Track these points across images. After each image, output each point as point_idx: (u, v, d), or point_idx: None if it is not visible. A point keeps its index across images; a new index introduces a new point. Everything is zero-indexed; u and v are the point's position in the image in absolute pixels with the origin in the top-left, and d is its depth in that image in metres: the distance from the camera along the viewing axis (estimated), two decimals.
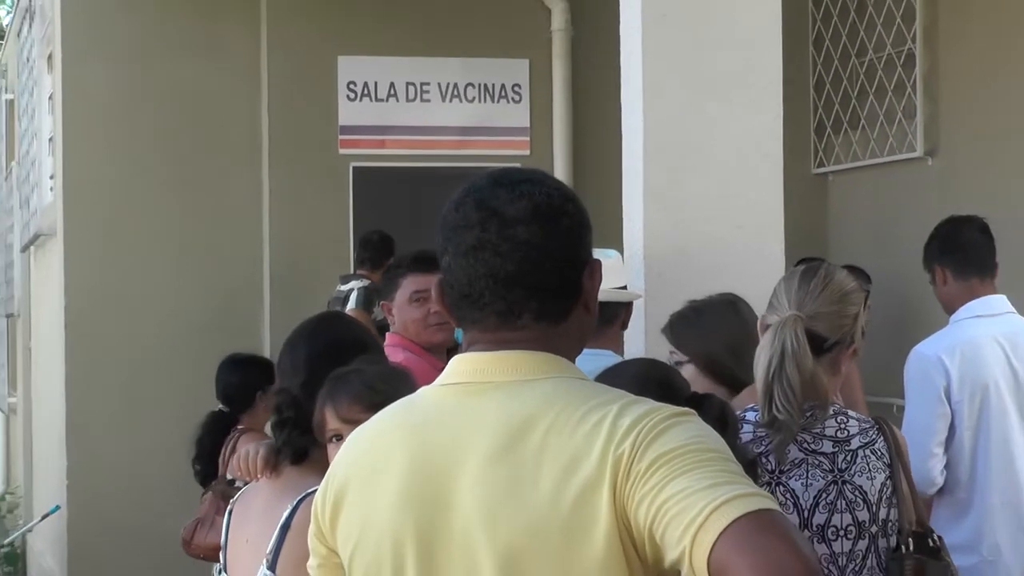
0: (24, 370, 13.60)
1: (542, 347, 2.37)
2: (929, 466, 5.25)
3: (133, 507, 9.33)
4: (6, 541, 12.83)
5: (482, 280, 2.35)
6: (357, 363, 3.33)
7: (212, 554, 5.39)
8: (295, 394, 3.40)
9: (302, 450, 3.39)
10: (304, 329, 3.58)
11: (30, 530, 11.95)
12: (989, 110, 8.30)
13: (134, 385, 9.58)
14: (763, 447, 3.36)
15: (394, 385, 3.22)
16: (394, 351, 5.14)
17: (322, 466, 3.22)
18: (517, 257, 2.34)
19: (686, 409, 2.31)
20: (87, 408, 9.66)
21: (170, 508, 8.84)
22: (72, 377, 9.71)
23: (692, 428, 2.24)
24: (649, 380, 2.95)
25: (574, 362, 2.42)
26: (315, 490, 3.12)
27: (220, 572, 5.66)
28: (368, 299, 9.01)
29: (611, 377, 2.68)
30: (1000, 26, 8.19)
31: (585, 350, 4.53)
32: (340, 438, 2.96)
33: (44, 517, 10.81)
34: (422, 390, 2.47)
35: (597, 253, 4.77)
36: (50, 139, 10.85)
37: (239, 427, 5.96)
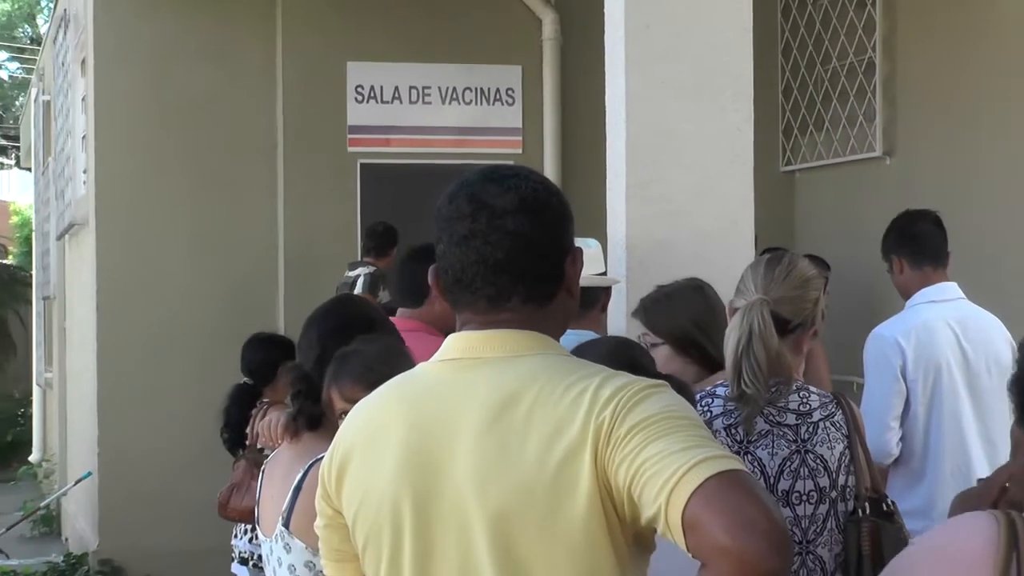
0: (59, 348, 13.60)
1: (529, 327, 2.37)
2: (886, 438, 5.25)
3: (158, 473, 9.34)
4: (43, 504, 12.82)
5: (474, 266, 2.36)
6: (357, 343, 3.35)
7: (246, 517, 5.42)
8: (308, 368, 3.43)
9: (316, 417, 3.41)
10: (318, 311, 3.63)
11: (64, 494, 11.95)
12: (943, 114, 8.31)
13: (159, 361, 9.58)
14: (732, 419, 3.37)
15: (392, 364, 3.22)
16: (419, 336, 5.09)
17: (335, 433, 3.30)
18: (506, 245, 2.35)
19: (660, 381, 2.32)
20: (116, 382, 9.67)
21: (191, 474, 8.90)
22: (103, 354, 9.71)
23: (666, 398, 2.25)
24: (617, 359, 2.94)
25: (559, 340, 2.43)
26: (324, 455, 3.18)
27: (246, 531, 5.69)
28: (374, 284, 9.02)
29: (581, 354, 2.68)
30: (953, 37, 8.20)
31: (569, 330, 4.55)
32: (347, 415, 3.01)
33: (77, 482, 10.83)
34: (420, 366, 2.48)
35: (578, 242, 4.82)
36: (83, 137, 10.84)
37: (265, 400, 5.96)
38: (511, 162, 9.18)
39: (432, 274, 2.44)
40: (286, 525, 3.26)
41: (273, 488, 3.45)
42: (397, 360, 3.27)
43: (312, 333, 3.52)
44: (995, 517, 2.11)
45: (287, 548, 3.26)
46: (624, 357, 3.16)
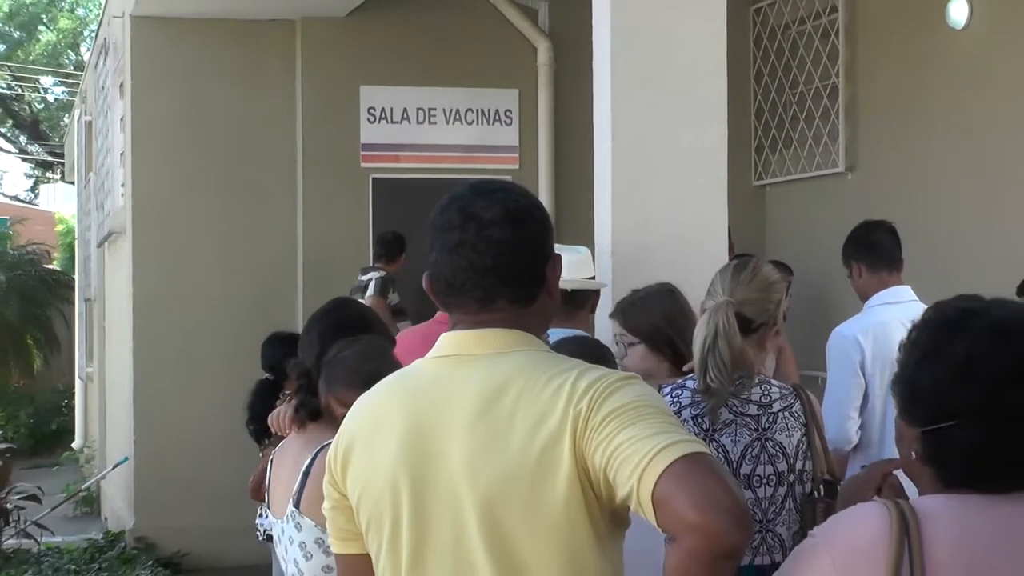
0: (99, 345, 13.60)
1: (514, 326, 2.38)
2: (847, 427, 5.26)
3: (188, 459, 9.35)
4: (84, 486, 12.83)
5: (463, 272, 2.37)
6: (337, 347, 3.34)
7: None
8: (309, 365, 3.42)
9: (315, 409, 3.41)
10: (318, 313, 3.62)
11: (103, 477, 11.94)
12: (899, 134, 8.33)
13: (190, 358, 9.60)
14: (699, 409, 3.36)
15: (376, 360, 3.24)
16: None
17: (339, 423, 3.29)
18: (492, 253, 2.36)
19: (632, 373, 2.34)
20: (150, 376, 9.68)
21: (218, 460, 8.92)
22: (138, 351, 9.73)
23: (638, 388, 2.26)
24: (585, 355, 2.96)
25: (541, 337, 2.44)
26: (331, 442, 3.17)
27: (265, 511, 5.68)
28: (384, 287, 9.04)
29: (557, 350, 2.68)
30: (908, 64, 8.21)
31: (560, 329, 4.57)
32: None
33: (115, 467, 10.83)
34: (416, 362, 2.48)
35: (569, 250, 4.85)
36: (121, 153, 10.85)
37: (286, 392, 5.96)
38: (509, 177, 9.20)
39: (426, 279, 2.44)
40: (297, 506, 3.26)
41: (282, 474, 3.45)
42: (378, 356, 3.28)
43: (313, 332, 3.51)
44: (887, 507, 2.09)
45: (298, 527, 3.26)
46: (591, 353, 3.17)
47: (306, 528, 3.23)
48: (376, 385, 2.49)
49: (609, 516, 2.26)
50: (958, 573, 2.05)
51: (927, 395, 2.15)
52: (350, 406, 2.52)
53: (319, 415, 3.41)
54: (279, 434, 3.64)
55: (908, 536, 2.04)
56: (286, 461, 3.49)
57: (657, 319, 3.91)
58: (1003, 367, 2.10)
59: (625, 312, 4.01)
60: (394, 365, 3.24)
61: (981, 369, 2.10)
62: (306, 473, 3.25)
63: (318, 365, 3.37)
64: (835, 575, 2.06)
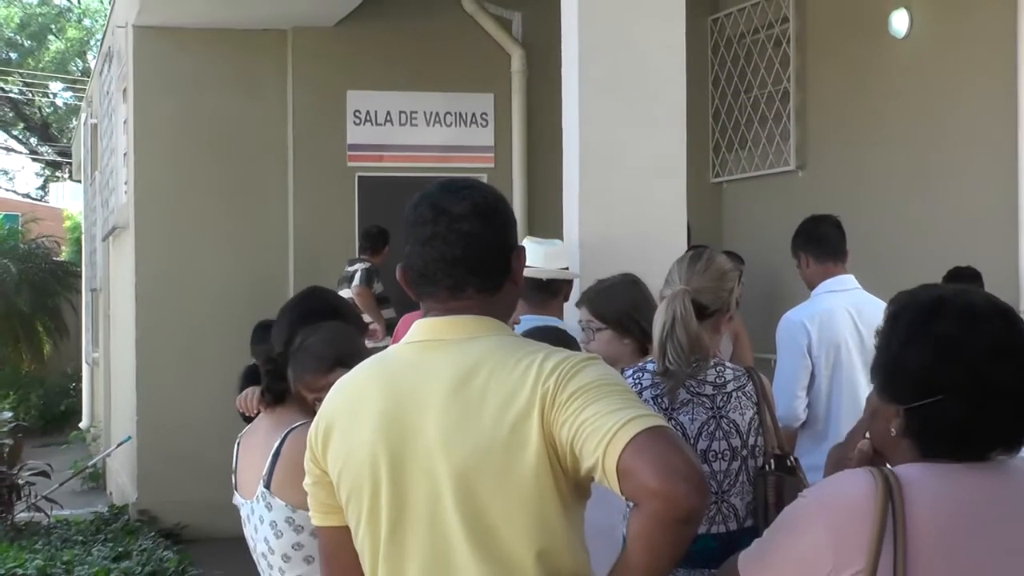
0: (104, 332, 13.55)
1: (482, 312, 2.37)
2: (795, 405, 5.26)
3: (187, 437, 9.33)
4: (91, 463, 12.80)
5: (435, 263, 2.36)
6: (303, 334, 3.26)
7: None
8: (279, 350, 3.33)
9: (280, 392, 3.32)
10: (289, 302, 3.52)
11: (108, 455, 11.91)
12: (845, 135, 8.34)
13: (188, 344, 9.58)
14: (659, 390, 3.35)
15: (339, 344, 3.18)
16: None
17: (305, 406, 3.21)
18: (462, 245, 2.35)
19: (594, 355, 2.35)
20: (152, 361, 9.66)
21: (215, 438, 8.83)
22: (141, 337, 9.71)
23: (600, 368, 2.26)
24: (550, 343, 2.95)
25: (507, 323, 2.43)
26: (300, 424, 3.11)
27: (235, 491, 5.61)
28: (369, 277, 9.03)
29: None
30: (855, 71, 8.23)
31: (535, 316, 4.56)
32: (320, 400, 2.88)
33: (119, 445, 10.81)
34: (392, 347, 2.47)
35: (544, 243, 4.84)
36: (124, 154, 10.80)
37: None
38: (485, 176, 9.21)
39: (400, 271, 2.43)
40: (267, 487, 3.17)
41: (250, 456, 3.35)
42: (341, 342, 3.21)
43: (283, 320, 3.41)
44: (872, 473, 2.12)
45: (268, 507, 3.17)
46: (556, 341, 3.16)
47: (276, 508, 3.15)
48: (354, 368, 2.47)
49: (574, 486, 2.26)
50: (937, 533, 2.08)
51: (912, 375, 2.17)
52: (318, 391, 2.45)
53: (283, 398, 3.31)
54: (246, 415, 3.52)
55: (892, 500, 2.08)
56: (254, 444, 3.38)
57: (624, 306, 3.89)
58: (982, 347, 2.14)
59: (593, 300, 3.99)
60: (360, 349, 3.20)
61: (963, 349, 2.14)
62: (276, 455, 3.16)
63: (286, 351, 3.27)
64: (826, 535, 2.09)
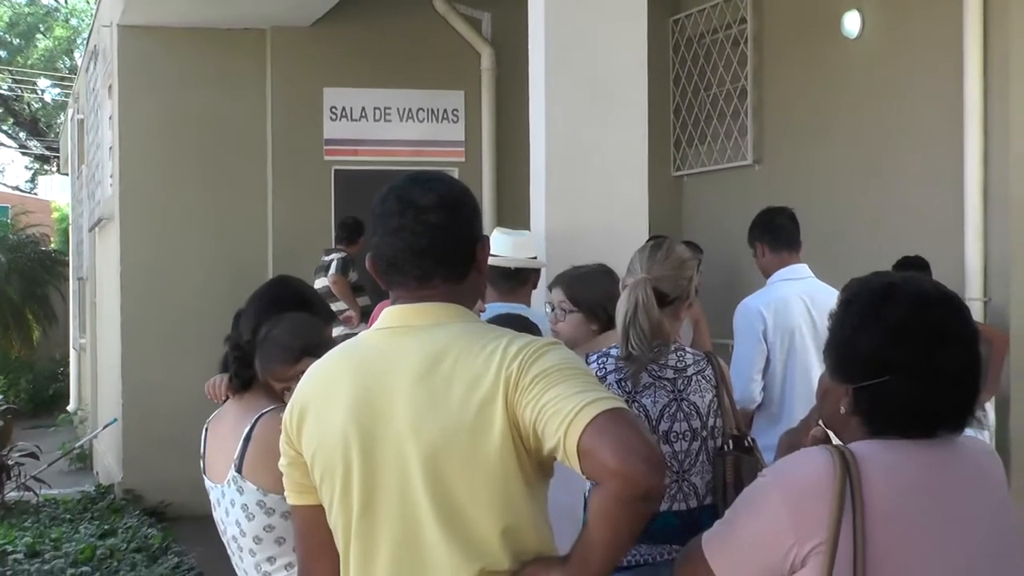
0: (91, 319, 13.48)
1: (449, 300, 2.35)
2: (751, 388, 5.26)
3: (171, 419, 9.26)
4: (78, 444, 12.74)
5: (403, 253, 2.34)
6: (268, 325, 3.19)
7: None
8: (246, 337, 3.24)
9: (246, 379, 3.23)
10: (258, 290, 3.41)
11: (95, 436, 11.85)
12: (799, 131, 8.37)
13: (171, 330, 9.54)
14: (622, 374, 3.34)
15: (303, 334, 3.13)
16: None
17: (272, 393, 3.16)
18: (428, 236, 2.33)
19: (556, 340, 2.35)
20: (136, 346, 9.63)
21: (197, 420, 8.76)
22: (125, 324, 9.67)
23: (561, 353, 2.26)
24: (514, 327, 2.93)
25: (473, 310, 2.41)
26: (270, 409, 3.06)
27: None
28: (345, 266, 9.00)
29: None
30: (809, 70, 8.25)
31: (504, 303, 4.53)
32: (290, 389, 2.80)
33: (105, 427, 10.76)
34: (363, 333, 2.45)
35: (514, 233, 4.82)
36: (110, 148, 10.74)
37: None
38: (456, 170, 9.20)
39: (369, 260, 2.41)
40: (239, 470, 3.11)
41: (219, 441, 3.27)
42: (305, 330, 3.16)
43: (251, 308, 3.32)
44: (829, 451, 2.13)
45: (240, 490, 3.11)
46: (518, 326, 3.15)
47: (248, 491, 3.09)
48: (327, 354, 2.45)
49: (537, 466, 2.25)
50: (891, 504, 2.10)
51: (863, 357, 2.19)
52: (287, 381, 2.41)
53: (250, 385, 3.23)
54: (214, 401, 3.44)
55: (849, 475, 2.09)
56: (222, 429, 3.30)
57: (598, 296, 3.92)
58: (930, 331, 2.16)
59: (569, 284, 3.99)
60: (325, 338, 3.16)
61: (912, 333, 2.16)
62: (247, 439, 3.10)
63: (253, 339, 3.20)
64: (785, 512, 2.09)
